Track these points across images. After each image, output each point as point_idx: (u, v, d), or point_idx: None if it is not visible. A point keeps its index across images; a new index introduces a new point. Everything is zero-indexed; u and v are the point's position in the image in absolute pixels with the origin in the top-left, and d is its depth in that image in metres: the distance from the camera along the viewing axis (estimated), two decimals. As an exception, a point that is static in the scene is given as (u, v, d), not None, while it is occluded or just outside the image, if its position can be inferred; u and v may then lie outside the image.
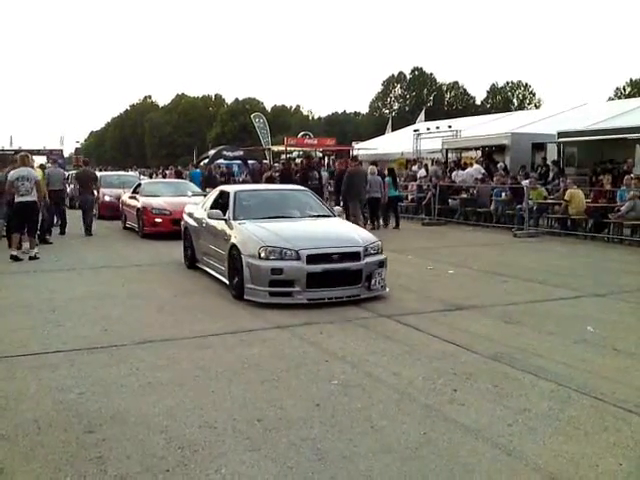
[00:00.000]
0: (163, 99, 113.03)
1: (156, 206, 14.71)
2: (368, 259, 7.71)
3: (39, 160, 23.41)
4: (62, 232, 15.24)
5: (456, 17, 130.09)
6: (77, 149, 68.00)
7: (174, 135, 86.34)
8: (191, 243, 10.21)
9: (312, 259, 7.39)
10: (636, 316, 7.17)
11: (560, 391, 4.66)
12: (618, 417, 4.17)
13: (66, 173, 25.25)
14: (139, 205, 15.13)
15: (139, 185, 16.95)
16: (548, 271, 10.08)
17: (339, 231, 8.48)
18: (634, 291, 8.43)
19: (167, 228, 14.11)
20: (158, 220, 14.48)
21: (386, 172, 17.84)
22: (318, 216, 9.19)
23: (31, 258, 11.14)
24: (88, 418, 4.15)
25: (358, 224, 11.39)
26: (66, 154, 61.06)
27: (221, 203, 9.41)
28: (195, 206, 10.91)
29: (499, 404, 4.41)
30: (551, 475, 3.38)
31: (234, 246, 7.97)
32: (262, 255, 7.44)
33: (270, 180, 19.86)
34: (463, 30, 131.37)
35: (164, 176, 29.91)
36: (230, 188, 9.74)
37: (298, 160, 31.44)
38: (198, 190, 16.79)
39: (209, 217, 9.12)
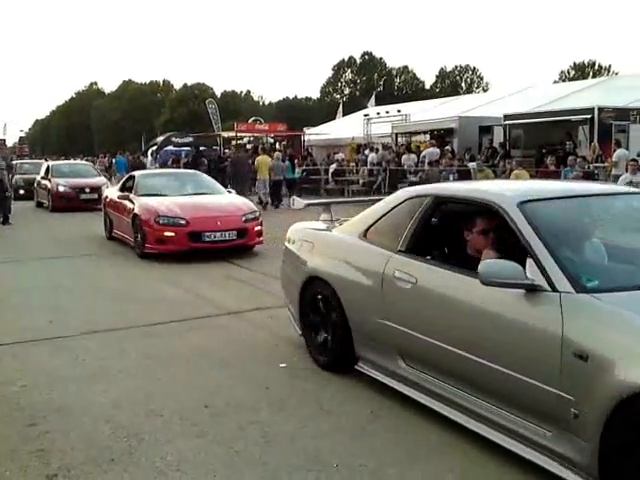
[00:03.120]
0: (109, 86, 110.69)
1: (164, 212, 9.78)
2: None
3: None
4: (4, 222, 14.84)
5: (404, 0, 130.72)
6: (21, 138, 66.05)
7: (122, 122, 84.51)
8: None
9: None
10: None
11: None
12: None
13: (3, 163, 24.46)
14: (136, 209, 10.22)
15: (130, 178, 11.95)
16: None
17: None
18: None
19: (182, 245, 9.56)
20: (168, 234, 9.55)
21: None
22: None
23: None
24: (31, 411, 4.05)
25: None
26: (10, 143, 59.35)
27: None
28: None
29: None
30: (493, 446, 3.46)
31: None
32: None
33: (185, 167, 21.01)
34: (412, 14, 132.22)
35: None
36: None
37: (249, 146, 31.28)
38: (219, 186, 11.93)
39: None
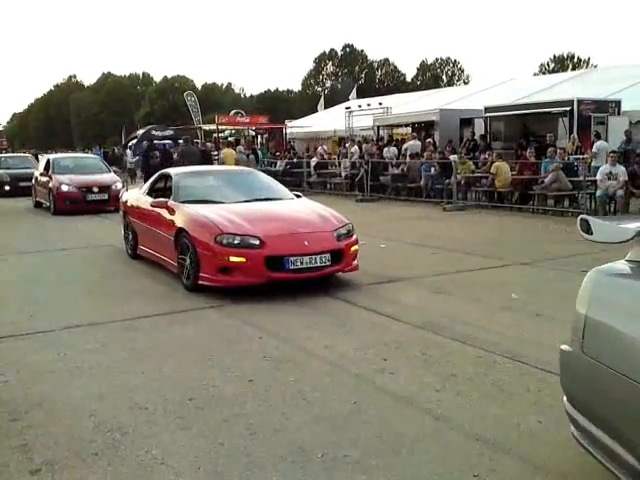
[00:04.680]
0: (89, 78, 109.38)
1: (228, 227, 6.93)
2: None
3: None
4: None
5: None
6: (-1, 132, 65.28)
7: (101, 115, 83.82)
8: None
9: None
10: (558, 282, 7.47)
11: (486, 357, 4.81)
12: (539, 378, 4.36)
13: None
14: (181, 223, 7.41)
15: (162, 178, 9.20)
16: (476, 242, 10.36)
17: None
18: (557, 259, 8.77)
19: (257, 277, 6.73)
20: (236, 259, 6.72)
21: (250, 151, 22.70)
22: None
23: None
24: (13, 406, 4.03)
25: None
26: (-13, 137, 58.41)
27: None
28: None
29: (428, 371, 4.53)
30: (476, 436, 3.51)
31: None
32: None
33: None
34: (393, 6, 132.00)
35: None
36: None
37: (231, 139, 31.17)
38: (284, 188, 8.98)
39: None
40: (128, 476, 3.16)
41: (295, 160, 24.00)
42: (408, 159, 18.43)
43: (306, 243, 6.87)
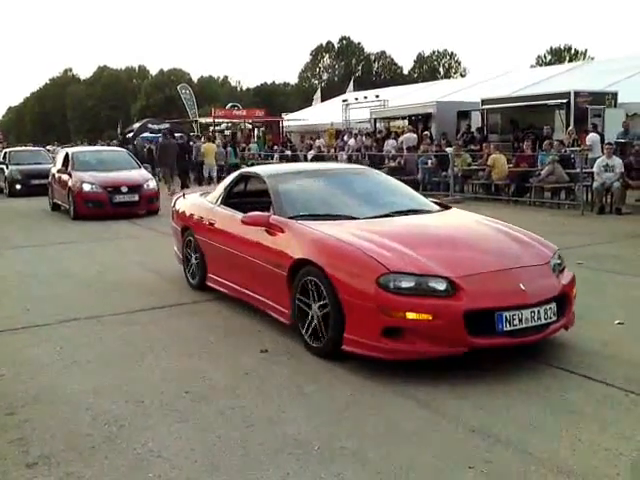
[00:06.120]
0: (84, 72, 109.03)
1: (397, 265, 4.29)
2: None
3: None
4: None
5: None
6: (-6, 125, 65.21)
7: (97, 109, 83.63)
8: None
9: None
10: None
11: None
12: (536, 370, 4.37)
13: None
14: (300, 251, 4.86)
15: (242, 180, 6.79)
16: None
17: None
18: (553, 251, 8.76)
19: (453, 346, 4.15)
20: (416, 316, 4.09)
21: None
22: None
23: None
24: (9, 400, 4.02)
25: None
26: (-18, 131, 58.28)
27: None
28: None
29: (424, 364, 4.51)
30: (472, 427, 3.52)
31: None
32: None
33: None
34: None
35: None
36: None
37: (227, 132, 31.13)
38: (417, 194, 6.38)
39: None
40: (125, 469, 3.16)
41: (288, 152, 23.93)
42: (405, 152, 18.42)
43: (522, 287, 4.33)
